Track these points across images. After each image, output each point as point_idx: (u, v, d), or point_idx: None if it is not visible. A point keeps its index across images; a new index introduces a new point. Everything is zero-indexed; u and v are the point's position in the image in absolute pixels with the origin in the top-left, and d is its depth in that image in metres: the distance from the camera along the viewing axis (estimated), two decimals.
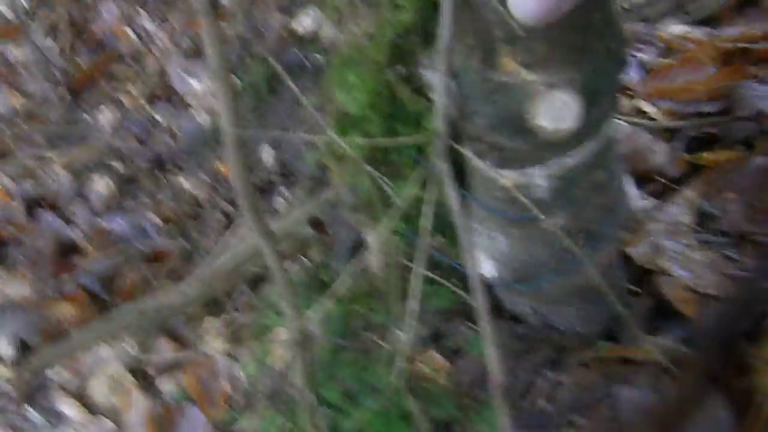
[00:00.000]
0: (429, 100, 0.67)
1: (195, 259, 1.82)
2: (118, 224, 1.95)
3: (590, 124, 0.61)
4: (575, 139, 0.62)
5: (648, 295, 0.84)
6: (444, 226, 0.78)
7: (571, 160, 0.64)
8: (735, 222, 0.87)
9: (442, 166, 0.59)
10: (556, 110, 0.56)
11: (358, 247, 1.11)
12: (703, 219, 0.89)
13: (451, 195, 0.59)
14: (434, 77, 0.61)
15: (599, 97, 0.59)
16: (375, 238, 0.87)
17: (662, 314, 0.82)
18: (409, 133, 0.72)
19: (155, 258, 1.79)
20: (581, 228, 0.71)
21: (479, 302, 0.58)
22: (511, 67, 0.55)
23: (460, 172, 0.71)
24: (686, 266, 0.83)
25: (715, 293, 0.80)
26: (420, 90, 0.68)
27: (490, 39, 0.54)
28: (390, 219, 0.73)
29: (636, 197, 0.83)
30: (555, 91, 0.55)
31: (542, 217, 0.64)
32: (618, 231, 0.76)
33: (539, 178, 0.65)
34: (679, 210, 0.89)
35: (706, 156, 0.95)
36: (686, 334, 0.79)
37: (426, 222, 0.61)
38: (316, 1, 0.72)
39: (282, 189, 1.91)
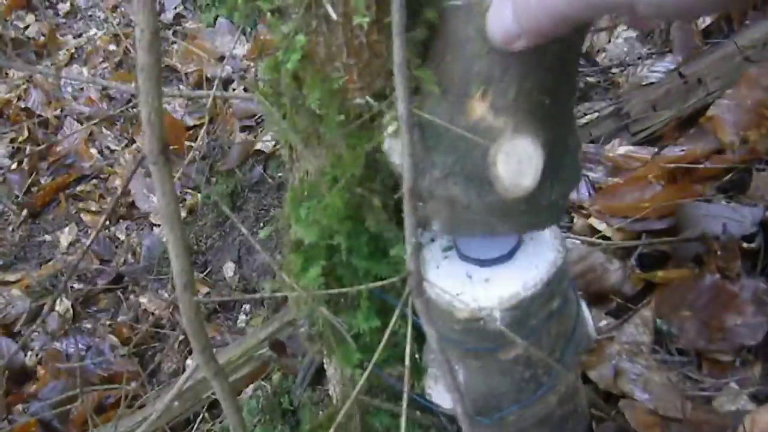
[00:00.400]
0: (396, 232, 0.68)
1: (154, 382, 1.77)
2: (74, 347, 1.90)
3: (550, 208, 0.61)
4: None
5: (612, 421, 0.83)
6: (403, 356, 0.78)
7: (525, 291, 0.65)
8: (691, 340, 0.88)
9: (419, 304, 0.59)
10: (517, 161, 0.55)
11: (319, 373, 1.10)
12: (661, 338, 0.90)
13: (431, 334, 0.59)
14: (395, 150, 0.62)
15: (559, 170, 0.59)
16: (334, 370, 0.86)
17: None
18: (368, 265, 0.72)
19: (112, 381, 1.74)
20: (540, 357, 0.71)
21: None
22: (480, 112, 0.55)
23: None
24: (647, 389, 0.83)
25: (677, 416, 0.79)
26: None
27: (465, 81, 0.55)
28: (349, 352, 0.73)
29: (593, 320, 0.84)
30: (519, 140, 0.54)
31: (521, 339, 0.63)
32: (577, 357, 0.76)
33: (495, 310, 0.65)
34: (637, 330, 0.90)
35: (660, 274, 0.97)
36: None
37: (405, 361, 0.60)
38: (274, 132, 0.74)
39: (245, 306, 1.89)
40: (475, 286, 0.66)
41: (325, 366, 0.99)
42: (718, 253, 0.92)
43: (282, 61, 0.64)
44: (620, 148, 1.20)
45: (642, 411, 0.81)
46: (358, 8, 0.57)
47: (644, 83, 1.35)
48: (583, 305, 0.79)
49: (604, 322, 0.93)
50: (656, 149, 1.19)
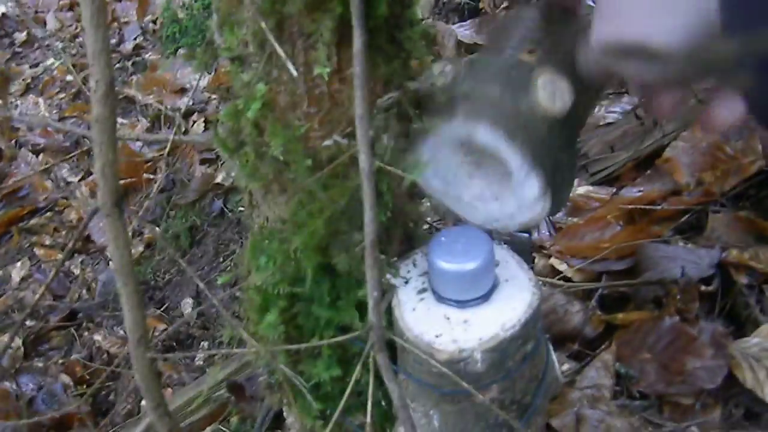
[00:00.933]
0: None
1: (109, 423, 1.72)
2: (25, 386, 1.84)
3: (554, 171, 0.63)
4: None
5: None
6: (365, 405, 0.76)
7: (504, 332, 0.64)
8: (652, 384, 0.89)
9: (380, 359, 0.58)
10: (552, 90, 0.60)
11: (278, 418, 1.07)
12: (622, 381, 0.90)
13: (393, 389, 0.58)
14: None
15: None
16: (294, 419, 0.84)
17: None
18: (329, 314, 0.71)
19: (64, 423, 1.68)
20: (514, 400, 0.71)
21: None
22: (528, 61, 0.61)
23: (392, 347, 0.70)
24: None
25: None
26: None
27: (518, 42, 0.63)
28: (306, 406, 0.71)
29: (558, 364, 0.84)
30: (557, 77, 0.60)
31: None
32: (546, 401, 0.75)
33: (476, 351, 0.65)
34: (598, 373, 0.90)
35: (621, 316, 0.97)
36: None
37: (367, 412, 0.59)
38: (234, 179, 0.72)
39: (203, 344, 1.85)
40: (454, 327, 0.65)
41: (284, 413, 0.97)
42: (677, 296, 0.94)
43: (242, 110, 0.63)
44: (580, 188, 1.22)
45: None
46: (319, 59, 0.57)
47: (602, 123, 1.38)
48: (551, 349, 0.79)
49: (565, 366, 0.93)
50: (615, 190, 1.21)
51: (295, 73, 0.48)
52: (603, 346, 0.94)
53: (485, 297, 0.67)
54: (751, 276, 0.96)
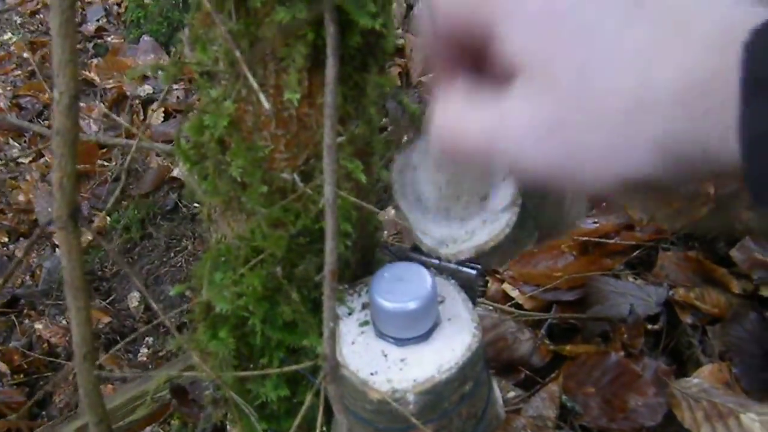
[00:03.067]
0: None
1: (45, 415, 1.68)
2: None
3: None
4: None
5: None
6: (310, 427, 0.76)
7: (439, 375, 0.64)
8: (594, 418, 0.90)
9: (332, 390, 0.57)
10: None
11: (221, 429, 1.06)
12: (565, 413, 0.92)
13: (343, 422, 0.57)
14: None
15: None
16: None
17: None
18: (281, 336, 0.70)
19: None
20: None
21: None
22: None
23: None
24: None
25: None
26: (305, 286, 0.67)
27: None
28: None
29: (501, 400, 0.84)
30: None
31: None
32: None
33: (408, 393, 0.65)
34: (543, 404, 0.91)
35: (568, 348, 0.99)
36: None
37: None
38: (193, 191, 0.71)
39: (148, 339, 1.82)
40: (390, 366, 0.65)
41: (227, 425, 0.96)
42: (624, 333, 0.95)
43: (208, 125, 0.62)
44: None
45: None
46: (289, 84, 0.56)
47: None
48: (495, 385, 0.79)
49: (512, 394, 0.94)
50: None
51: (267, 105, 0.47)
52: (550, 376, 0.95)
53: (425, 336, 0.66)
54: (695, 316, 0.98)
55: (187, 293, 1.71)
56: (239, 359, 0.73)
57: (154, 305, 0.60)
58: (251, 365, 0.75)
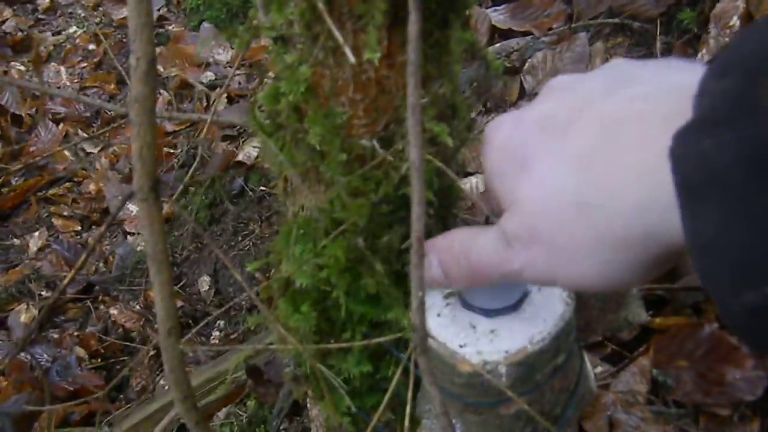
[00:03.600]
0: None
1: (123, 398, 1.71)
2: (39, 357, 1.83)
3: None
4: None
5: None
6: (393, 403, 0.75)
7: (532, 346, 0.61)
8: (688, 393, 0.86)
9: (422, 362, 0.55)
10: None
11: (296, 404, 1.05)
12: (657, 388, 0.87)
13: (435, 395, 0.55)
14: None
15: None
16: (318, 411, 0.82)
17: None
18: (364, 309, 0.69)
19: (78, 395, 1.68)
20: (542, 412, 0.68)
21: None
22: None
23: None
24: None
25: None
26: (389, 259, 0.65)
27: None
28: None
29: (593, 374, 0.81)
30: None
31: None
32: (578, 412, 0.73)
33: (500, 365, 0.62)
34: (633, 378, 0.87)
35: (658, 321, 0.94)
36: None
37: (407, 421, 0.57)
38: (267, 162, 0.70)
39: (220, 323, 1.84)
40: (479, 338, 0.63)
41: (307, 404, 0.95)
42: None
43: (283, 93, 0.60)
44: None
45: None
46: (369, 43, 0.54)
47: None
48: (586, 359, 0.76)
49: (599, 369, 0.90)
50: None
51: (353, 59, 0.45)
52: (639, 350, 0.91)
53: (514, 306, 0.64)
54: None
55: (257, 275, 1.72)
56: (320, 335, 0.72)
57: (240, 279, 0.59)
58: (333, 341, 0.73)
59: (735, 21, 1.23)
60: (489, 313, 0.64)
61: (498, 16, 1.73)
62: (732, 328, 0.34)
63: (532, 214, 0.41)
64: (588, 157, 0.37)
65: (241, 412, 1.21)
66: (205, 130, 1.97)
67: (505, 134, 0.44)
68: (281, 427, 1.05)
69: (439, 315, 0.65)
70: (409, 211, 0.52)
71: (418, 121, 0.53)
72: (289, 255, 0.69)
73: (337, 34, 0.42)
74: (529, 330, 0.62)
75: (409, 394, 0.59)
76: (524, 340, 0.62)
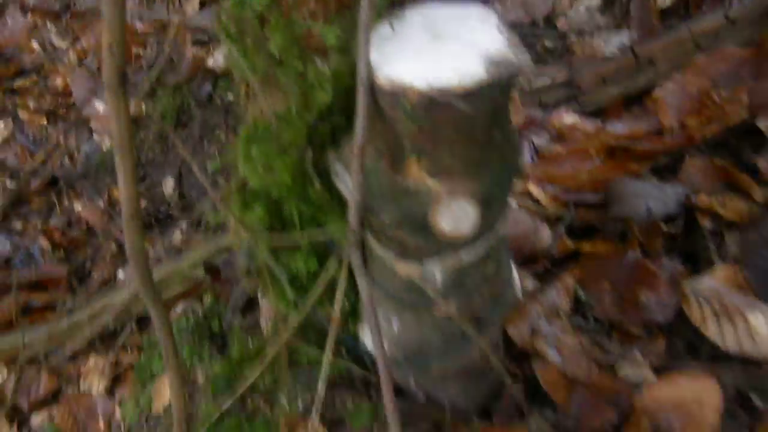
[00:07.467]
0: (335, 189, 0.69)
1: (82, 290, 1.76)
2: (2, 245, 1.87)
3: (485, 226, 0.65)
4: (471, 238, 0.66)
5: (524, 377, 0.89)
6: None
7: (466, 256, 0.68)
8: (606, 310, 0.94)
9: (355, 258, 0.61)
10: (455, 216, 0.60)
11: (250, 301, 1.12)
12: (579, 304, 0.96)
13: (363, 285, 0.62)
14: (344, 173, 0.64)
15: (495, 202, 0.64)
16: (268, 304, 0.88)
17: (536, 397, 0.87)
18: (310, 211, 0.74)
19: (39, 285, 1.72)
20: (471, 315, 0.75)
21: (385, 383, 0.60)
22: (416, 174, 0.58)
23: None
24: (559, 350, 0.88)
25: (583, 379, 0.85)
26: (327, 175, 0.70)
27: (400, 147, 0.57)
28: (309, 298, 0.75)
29: (519, 285, 0.88)
30: (456, 199, 0.58)
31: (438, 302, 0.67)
32: (503, 316, 0.80)
33: (435, 272, 0.68)
34: (558, 294, 0.95)
35: (586, 245, 1.02)
36: (555, 418, 0.84)
37: (338, 305, 0.64)
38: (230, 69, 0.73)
39: (181, 223, 1.88)
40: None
41: (258, 297, 1.02)
42: (641, 234, 0.98)
43: (249, 1, 0.63)
44: (567, 118, 1.24)
45: (552, 371, 0.86)
46: None
47: (598, 56, 1.38)
48: (514, 269, 0.83)
49: (529, 283, 0.98)
50: (601, 123, 1.23)
51: None
52: (566, 270, 0.99)
53: None
54: (714, 222, 1.00)
55: (220, 180, 1.76)
56: (273, 232, 0.77)
57: (203, 177, 0.64)
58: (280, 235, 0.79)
59: None
60: None
61: None
62: None
63: None
64: None
65: (197, 307, 1.28)
66: (174, 31, 1.96)
67: None
68: (235, 322, 1.12)
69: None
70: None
71: (367, 39, 0.57)
72: (245, 155, 0.73)
73: None
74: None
75: (341, 283, 0.66)
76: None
